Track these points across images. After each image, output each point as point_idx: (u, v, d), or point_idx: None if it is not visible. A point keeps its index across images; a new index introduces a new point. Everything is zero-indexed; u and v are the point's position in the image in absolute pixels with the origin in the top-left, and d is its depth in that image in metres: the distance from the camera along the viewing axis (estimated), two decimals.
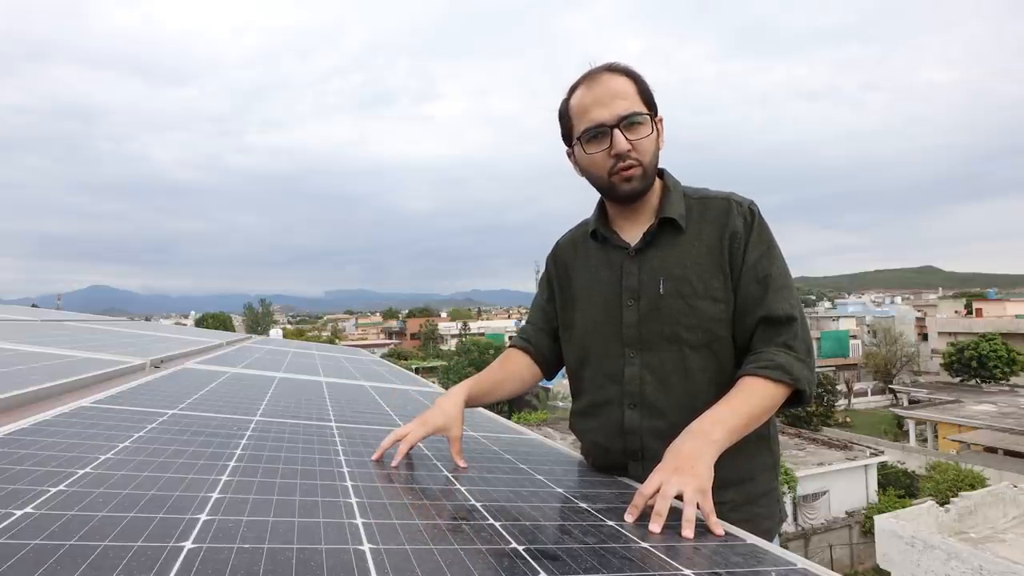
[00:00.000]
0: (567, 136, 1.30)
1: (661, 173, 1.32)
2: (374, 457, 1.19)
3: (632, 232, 1.30)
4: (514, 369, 1.46)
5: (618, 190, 1.24)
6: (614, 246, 1.31)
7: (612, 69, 1.24)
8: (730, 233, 1.21)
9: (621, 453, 1.26)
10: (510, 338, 1.58)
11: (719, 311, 1.20)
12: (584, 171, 1.30)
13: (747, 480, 1.24)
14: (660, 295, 1.23)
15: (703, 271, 1.21)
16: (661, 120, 1.26)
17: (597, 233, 1.34)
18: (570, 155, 1.32)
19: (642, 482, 0.99)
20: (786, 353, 1.16)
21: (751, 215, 1.24)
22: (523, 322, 1.60)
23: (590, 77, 1.24)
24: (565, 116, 1.29)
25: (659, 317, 1.22)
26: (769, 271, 1.21)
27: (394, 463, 1.15)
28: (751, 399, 1.11)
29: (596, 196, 1.35)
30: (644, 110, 1.21)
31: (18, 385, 1.58)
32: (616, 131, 1.19)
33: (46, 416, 1.21)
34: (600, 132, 1.21)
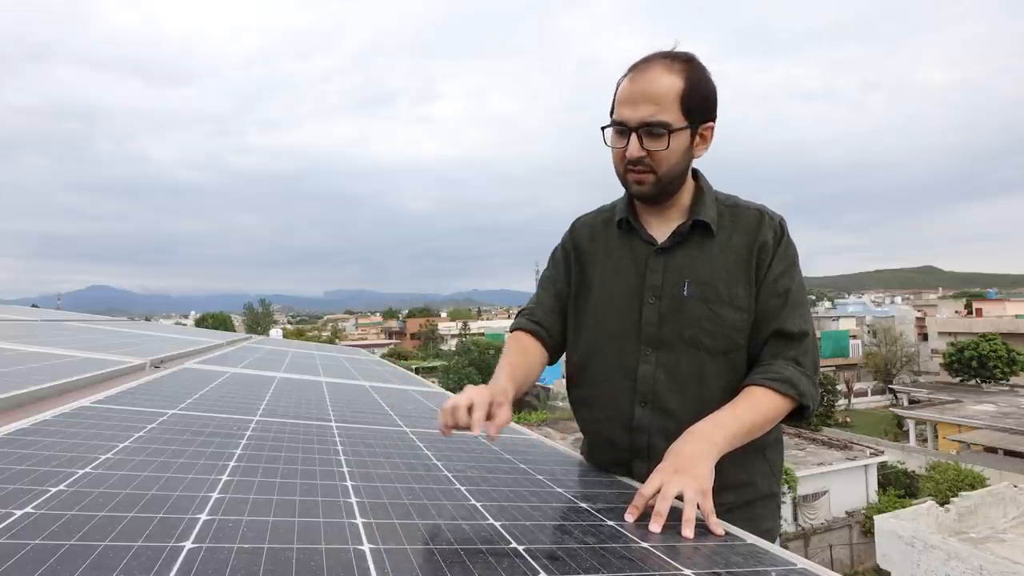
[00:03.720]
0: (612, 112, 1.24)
1: (695, 174, 1.29)
2: (446, 433, 1.07)
3: (659, 229, 1.27)
4: (534, 361, 1.35)
5: (628, 189, 1.25)
6: (640, 239, 1.28)
7: (667, 60, 1.16)
8: (760, 244, 1.21)
9: (627, 450, 1.26)
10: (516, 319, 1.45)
11: (741, 320, 1.20)
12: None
13: (746, 484, 1.24)
14: (683, 297, 1.21)
15: (730, 278, 1.21)
16: (710, 128, 1.20)
17: (623, 223, 1.31)
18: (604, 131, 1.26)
19: (644, 481, 0.99)
20: (794, 367, 1.16)
21: (780, 230, 1.24)
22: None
23: (640, 66, 1.17)
24: (614, 95, 1.22)
25: (680, 319, 1.21)
26: (789, 286, 1.21)
27: (476, 431, 1.04)
28: (755, 408, 1.12)
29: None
30: (672, 120, 1.14)
31: (18, 385, 1.58)
32: (633, 135, 1.16)
33: (46, 416, 1.21)
34: (622, 130, 1.18)
